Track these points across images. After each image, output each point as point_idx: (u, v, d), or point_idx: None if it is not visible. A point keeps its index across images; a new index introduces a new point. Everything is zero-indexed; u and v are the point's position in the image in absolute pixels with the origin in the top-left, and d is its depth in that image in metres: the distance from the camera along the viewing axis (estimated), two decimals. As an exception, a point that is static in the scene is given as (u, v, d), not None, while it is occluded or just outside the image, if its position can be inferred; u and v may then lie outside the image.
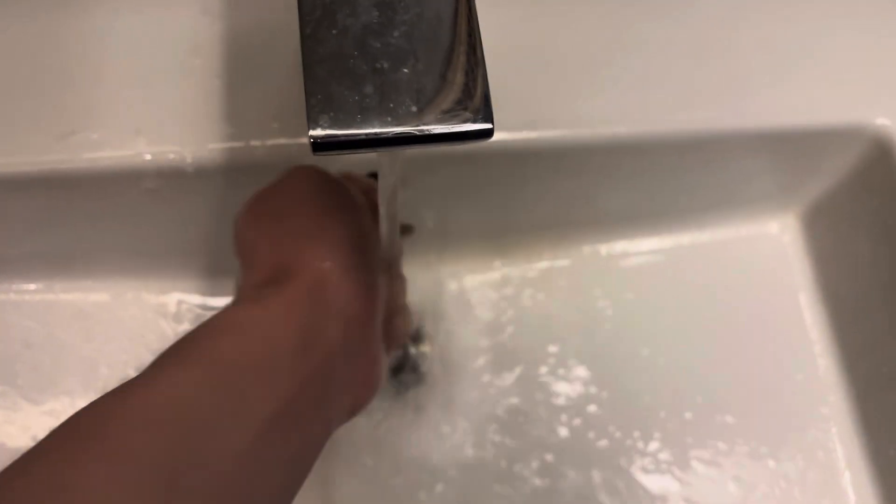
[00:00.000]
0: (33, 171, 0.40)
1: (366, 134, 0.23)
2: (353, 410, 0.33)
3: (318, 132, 0.22)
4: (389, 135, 0.23)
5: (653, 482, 0.45)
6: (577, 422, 0.46)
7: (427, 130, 0.23)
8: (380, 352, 0.34)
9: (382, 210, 0.30)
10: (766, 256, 0.51)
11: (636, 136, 0.43)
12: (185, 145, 0.40)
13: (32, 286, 0.46)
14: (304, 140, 0.40)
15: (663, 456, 0.46)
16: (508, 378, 0.47)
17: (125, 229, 0.45)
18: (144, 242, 0.46)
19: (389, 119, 0.23)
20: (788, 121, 0.44)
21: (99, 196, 0.42)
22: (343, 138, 0.23)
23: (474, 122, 0.23)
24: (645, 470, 0.46)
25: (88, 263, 0.46)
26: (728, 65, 0.44)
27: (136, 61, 0.41)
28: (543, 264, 0.50)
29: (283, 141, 0.40)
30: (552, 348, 0.48)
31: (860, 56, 0.45)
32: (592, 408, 0.47)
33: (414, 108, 0.23)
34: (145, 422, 0.25)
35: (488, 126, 0.23)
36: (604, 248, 0.50)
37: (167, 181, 0.41)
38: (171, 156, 0.40)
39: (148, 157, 0.40)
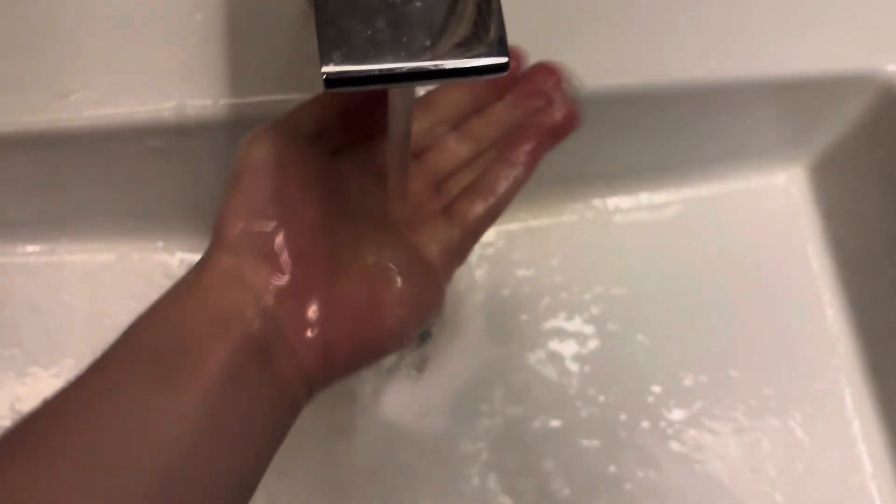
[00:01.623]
0: (34, 131, 0.40)
1: (379, 69, 0.22)
2: (320, 387, 0.31)
3: (331, 68, 0.22)
4: (403, 70, 0.22)
5: (660, 436, 0.46)
6: (582, 374, 0.46)
7: (441, 65, 0.22)
8: (345, 299, 0.30)
9: (391, 151, 0.29)
10: (773, 208, 0.50)
11: (645, 86, 0.43)
12: (188, 102, 0.40)
13: (37, 248, 0.46)
14: (309, 95, 0.40)
15: (671, 409, 0.46)
16: (512, 334, 0.47)
17: (128, 189, 0.45)
18: (148, 202, 0.45)
19: (403, 54, 0.22)
20: (797, 69, 0.44)
21: (101, 155, 0.42)
22: (356, 74, 0.22)
23: (489, 56, 0.22)
24: (653, 425, 0.46)
25: (92, 224, 0.46)
26: (737, 14, 0.44)
27: (135, 18, 0.41)
28: (551, 220, 0.50)
29: (286, 96, 0.40)
30: (559, 303, 0.48)
31: (869, 2, 0.45)
32: (599, 361, 0.47)
33: (427, 42, 0.22)
34: (79, 422, 0.26)
35: (503, 60, 0.23)
36: (612, 203, 0.50)
37: (170, 139, 0.41)
38: (173, 113, 0.40)
39: (150, 114, 0.40)
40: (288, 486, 0.43)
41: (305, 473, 0.44)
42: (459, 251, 0.34)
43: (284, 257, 0.29)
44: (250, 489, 0.28)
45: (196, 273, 0.30)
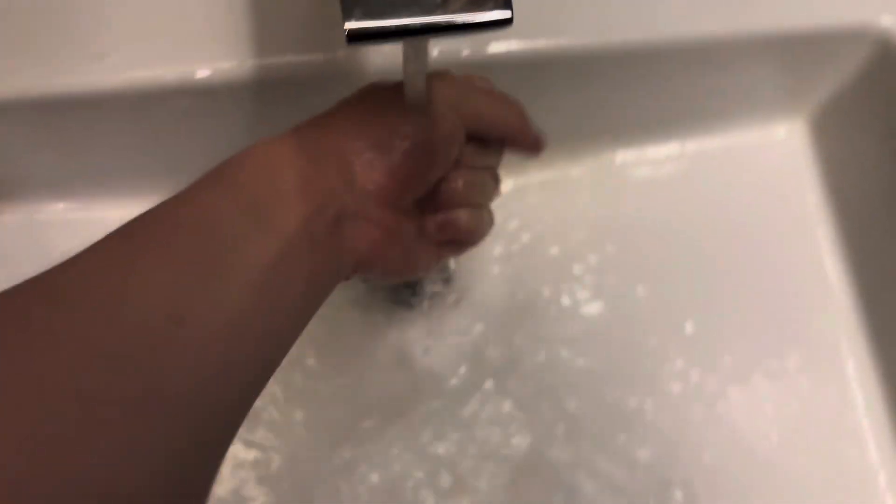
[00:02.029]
0: (71, 93, 0.42)
1: (395, 25, 0.25)
2: (358, 268, 0.35)
3: (353, 24, 0.24)
4: (417, 25, 0.25)
5: (660, 378, 0.48)
6: (586, 321, 0.49)
7: (451, 20, 0.25)
8: (396, 228, 0.36)
9: (407, 100, 0.32)
10: (774, 160, 0.52)
11: (648, 42, 0.45)
12: (216, 64, 0.42)
13: (75, 205, 0.49)
14: (332, 55, 0.42)
15: (674, 355, 0.49)
16: (523, 282, 0.50)
17: (159, 148, 0.47)
18: (177, 160, 0.47)
19: (417, 10, 0.25)
20: (794, 23, 0.46)
21: (134, 116, 0.44)
22: (375, 29, 0.25)
23: (494, 10, 0.25)
24: (656, 367, 0.48)
25: (125, 182, 0.48)
26: (735, -29, 0.46)
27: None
28: (558, 174, 0.52)
29: (309, 56, 0.42)
30: (566, 254, 0.50)
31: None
32: (601, 312, 0.49)
33: (438, 0, 0.25)
34: (188, 225, 0.29)
35: (507, 14, 0.25)
36: (618, 157, 0.52)
37: (198, 99, 0.43)
38: (202, 74, 0.42)
39: (180, 76, 0.42)
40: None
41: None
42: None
43: (390, 175, 0.34)
44: (288, 346, 0.32)
45: (309, 133, 0.34)
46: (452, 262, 0.49)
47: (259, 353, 0.30)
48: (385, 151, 0.34)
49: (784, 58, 0.48)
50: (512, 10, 0.25)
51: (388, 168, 0.34)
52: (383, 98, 0.36)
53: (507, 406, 0.47)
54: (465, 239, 0.41)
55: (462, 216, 0.39)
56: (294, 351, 0.32)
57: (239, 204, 0.30)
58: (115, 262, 0.27)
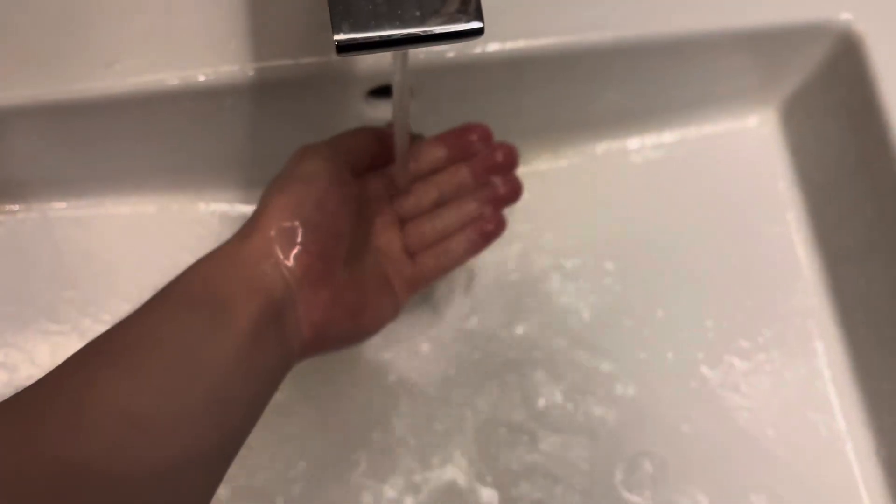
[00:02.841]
0: (84, 97, 0.44)
1: (379, 36, 0.28)
2: (306, 351, 0.38)
3: (342, 36, 0.27)
4: (399, 36, 0.28)
5: (636, 358, 0.51)
6: (563, 303, 0.52)
7: (429, 31, 0.28)
8: (338, 298, 0.39)
9: (395, 116, 0.35)
10: (747, 148, 0.55)
11: (623, 39, 0.47)
12: (219, 68, 0.44)
13: (89, 202, 0.51)
14: (326, 59, 0.45)
15: (648, 333, 0.52)
16: (511, 265, 0.53)
17: (167, 148, 0.49)
18: (185, 159, 0.50)
19: (398, 23, 0.28)
20: (762, 19, 0.48)
21: (143, 118, 0.46)
22: (361, 41, 0.28)
23: (467, 22, 0.28)
24: (633, 347, 0.51)
25: (136, 180, 0.51)
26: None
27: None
28: (543, 165, 0.55)
29: (307, 60, 0.45)
30: (550, 241, 0.53)
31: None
32: (577, 294, 0.52)
33: (418, 13, 0.28)
34: (150, 336, 0.32)
35: (479, 25, 0.28)
36: (599, 148, 0.55)
37: (203, 101, 0.46)
38: (206, 78, 0.45)
39: (185, 79, 0.44)
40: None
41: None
42: (416, 286, 0.45)
43: (311, 252, 0.37)
44: (245, 436, 0.35)
45: (237, 244, 0.37)
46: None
47: (216, 448, 0.32)
48: (305, 231, 0.37)
49: (754, 51, 0.51)
50: (483, 21, 0.28)
51: (308, 250, 0.37)
52: (302, 182, 0.39)
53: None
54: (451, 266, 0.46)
55: (428, 261, 0.45)
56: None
57: (190, 316, 0.33)
58: (77, 378, 0.30)
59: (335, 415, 0.49)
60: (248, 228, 0.38)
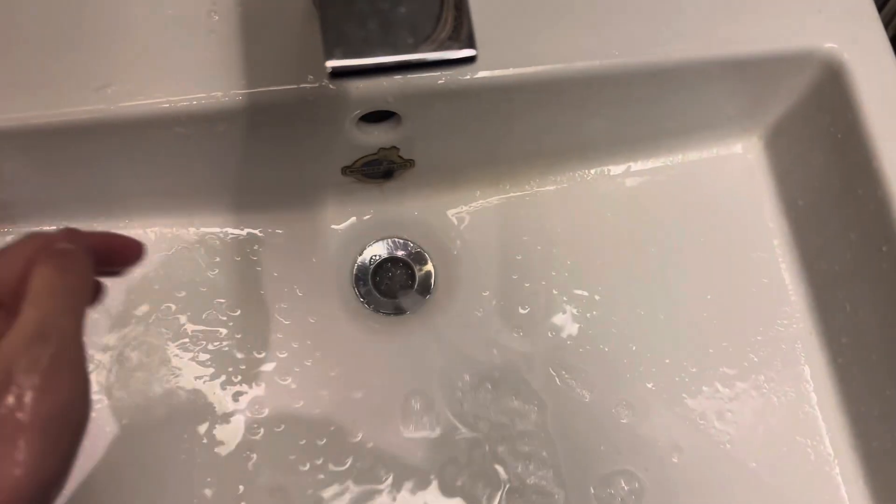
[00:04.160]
0: (75, 120, 0.44)
1: (372, 63, 0.28)
2: None
3: (334, 63, 0.28)
4: (392, 63, 0.28)
5: (624, 382, 0.51)
6: (548, 328, 0.52)
7: (422, 58, 0.28)
8: None
9: None
10: (732, 174, 0.56)
11: (611, 67, 0.48)
12: (209, 93, 0.44)
13: (77, 225, 0.50)
14: (317, 84, 0.45)
15: (637, 358, 0.52)
16: (496, 288, 0.53)
17: (157, 171, 0.49)
18: (176, 182, 0.50)
19: (391, 49, 0.28)
20: (748, 48, 0.49)
21: (134, 142, 0.46)
22: (354, 67, 0.28)
23: (460, 49, 0.28)
24: (620, 371, 0.52)
25: (125, 203, 0.51)
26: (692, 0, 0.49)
27: (160, 19, 0.45)
28: (532, 190, 0.55)
29: (298, 85, 0.45)
30: (535, 265, 0.54)
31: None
32: (566, 318, 0.53)
33: (411, 41, 0.28)
34: None
35: (472, 53, 0.28)
36: (587, 173, 0.56)
37: (194, 126, 0.46)
38: (197, 102, 0.44)
39: (177, 104, 0.44)
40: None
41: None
42: None
43: None
44: None
45: None
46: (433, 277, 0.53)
47: None
48: None
49: (739, 80, 0.52)
50: (475, 48, 0.28)
51: None
52: None
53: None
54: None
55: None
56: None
57: None
58: None
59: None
60: None
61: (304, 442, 0.49)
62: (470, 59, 0.28)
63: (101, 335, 0.50)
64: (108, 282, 0.46)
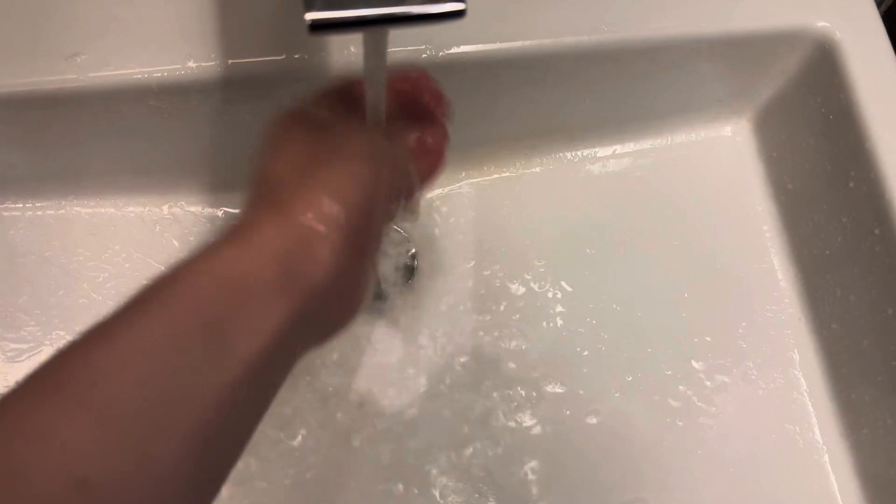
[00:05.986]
0: (44, 90, 0.43)
1: (354, 16, 0.26)
2: (325, 339, 0.32)
3: (315, 15, 0.26)
4: (375, 15, 0.26)
5: (613, 369, 0.50)
6: (535, 310, 0.51)
7: (407, 11, 0.27)
8: (366, 286, 0.33)
9: (368, 97, 0.33)
10: (721, 157, 0.55)
11: (599, 43, 0.47)
12: (185, 63, 0.43)
13: (47, 203, 0.49)
14: (295, 55, 0.43)
15: (624, 345, 0.51)
16: (478, 275, 0.52)
17: (130, 146, 0.48)
18: (148, 158, 0.49)
19: (374, 2, 0.26)
20: (737, 27, 0.48)
21: (105, 114, 0.45)
22: (335, 20, 0.26)
23: (448, 1, 0.27)
24: (609, 360, 0.50)
25: (97, 180, 0.49)
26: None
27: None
28: (517, 172, 0.54)
29: (275, 56, 0.44)
30: (523, 249, 0.52)
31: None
32: (557, 301, 0.51)
33: (395, -7, 0.26)
34: (126, 365, 0.24)
35: (461, 6, 0.27)
36: (573, 155, 0.54)
37: (169, 98, 0.44)
38: (172, 74, 0.43)
39: (151, 75, 0.43)
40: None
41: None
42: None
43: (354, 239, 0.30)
44: (220, 486, 0.28)
45: (255, 238, 0.29)
46: (415, 260, 0.51)
47: None
48: (343, 205, 0.29)
49: (729, 59, 0.51)
50: (465, 1, 0.27)
51: (352, 225, 0.30)
52: (308, 138, 0.32)
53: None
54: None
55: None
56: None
57: (189, 335, 0.26)
58: (20, 425, 0.23)
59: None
60: (271, 203, 0.29)
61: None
62: (458, 13, 0.27)
63: (76, 317, 0.48)
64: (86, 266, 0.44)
